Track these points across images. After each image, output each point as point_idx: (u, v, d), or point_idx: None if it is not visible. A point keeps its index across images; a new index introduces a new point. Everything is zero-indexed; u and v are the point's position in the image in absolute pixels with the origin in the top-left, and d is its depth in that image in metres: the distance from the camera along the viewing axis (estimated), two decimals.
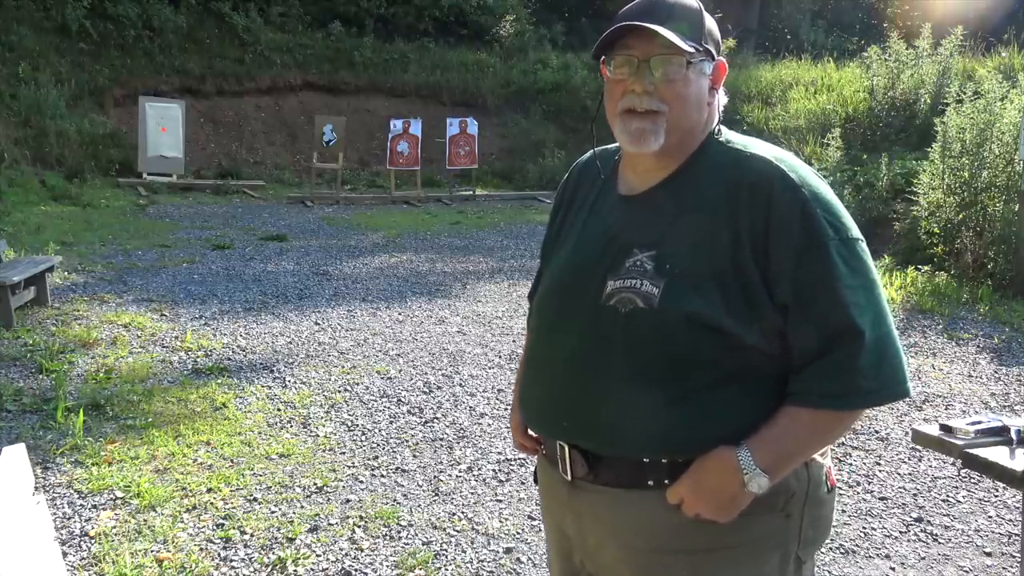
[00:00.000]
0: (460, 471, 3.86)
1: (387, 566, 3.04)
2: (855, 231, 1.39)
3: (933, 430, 2.26)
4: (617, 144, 1.61)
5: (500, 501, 3.57)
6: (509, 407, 4.67)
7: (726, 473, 1.35)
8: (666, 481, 1.41)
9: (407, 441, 4.20)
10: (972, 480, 3.78)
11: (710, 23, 1.48)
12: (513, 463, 3.94)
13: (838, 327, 1.33)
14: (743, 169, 1.42)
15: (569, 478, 1.50)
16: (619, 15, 1.48)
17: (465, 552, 3.15)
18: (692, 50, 1.41)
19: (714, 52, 1.47)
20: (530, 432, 1.68)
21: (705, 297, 1.36)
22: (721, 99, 1.53)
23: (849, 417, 1.41)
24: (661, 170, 1.49)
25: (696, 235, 1.40)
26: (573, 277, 1.52)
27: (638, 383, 1.40)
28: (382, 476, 3.80)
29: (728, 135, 1.51)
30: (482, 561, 3.09)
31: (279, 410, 4.58)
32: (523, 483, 3.74)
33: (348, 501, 3.54)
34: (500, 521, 3.39)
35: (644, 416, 1.39)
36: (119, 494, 3.53)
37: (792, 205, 1.36)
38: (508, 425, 4.38)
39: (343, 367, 5.34)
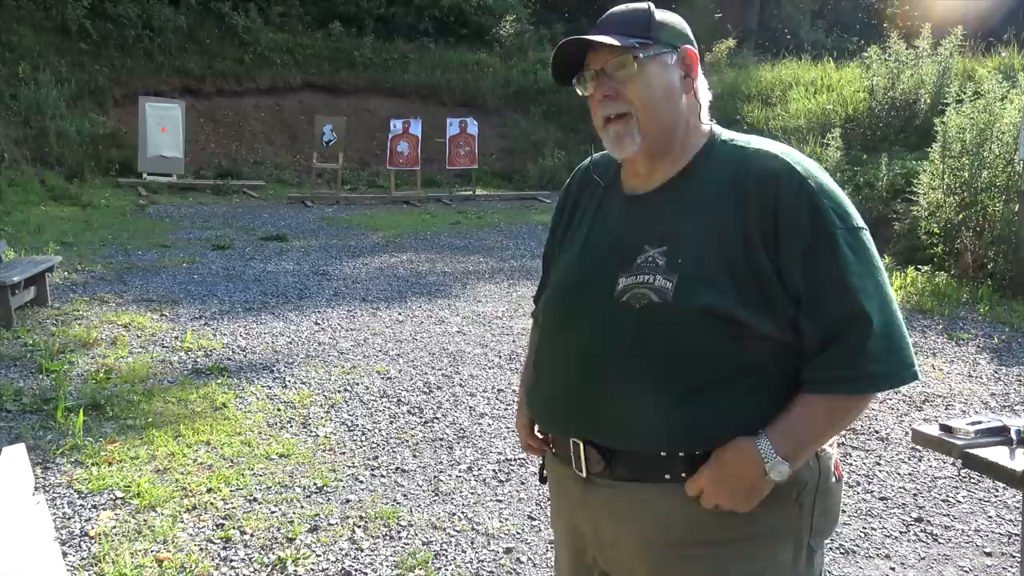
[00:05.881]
0: (460, 471, 3.86)
1: (387, 566, 3.04)
2: (860, 220, 1.43)
3: (933, 430, 2.26)
4: None
5: (500, 501, 3.57)
6: (509, 407, 4.67)
7: (746, 463, 1.37)
8: (683, 474, 1.42)
9: (407, 441, 4.20)
10: (972, 480, 3.78)
11: (664, 16, 1.52)
12: (513, 463, 3.94)
13: (847, 314, 1.37)
14: (749, 165, 1.45)
15: (584, 475, 1.50)
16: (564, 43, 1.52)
17: (465, 552, 3.15)
18: (635, 45, 1.45)
19: (675, 43, 1.50)
20: (537, 432, 1.69)
21: (719, 290, 1.38)
22: (703, 87, 1.55)
23: (863, 401, 1.45)
24: (666, 170, 1.52)
25: (706, 230, 1.42)
26: (582, 277, 1.53)
27: (652, 377, 1.41)
28: (382, 476, 3.80)
29: (729, 134, 1.54)
30: (482, 561, 3.09)
31: (279, 410, 4.58)
32: (523, 483, 3.74)
33: (348, 501, 3.54)
34: (500, 521, 3.39)
35: (660, 410, 1.41)
36: (119, 494, 3.53)
37: (800, 197, 1.39)
38: (508, 425, 4.39)
39: (343, 367, 5.34)
